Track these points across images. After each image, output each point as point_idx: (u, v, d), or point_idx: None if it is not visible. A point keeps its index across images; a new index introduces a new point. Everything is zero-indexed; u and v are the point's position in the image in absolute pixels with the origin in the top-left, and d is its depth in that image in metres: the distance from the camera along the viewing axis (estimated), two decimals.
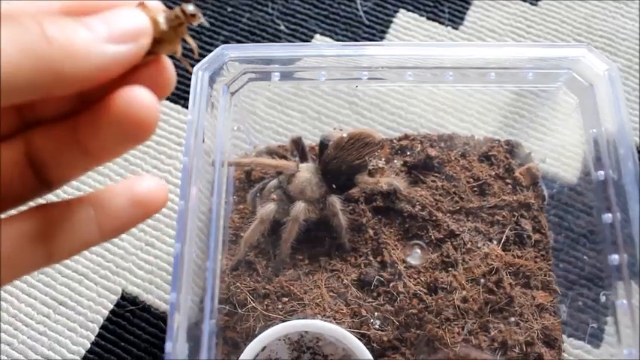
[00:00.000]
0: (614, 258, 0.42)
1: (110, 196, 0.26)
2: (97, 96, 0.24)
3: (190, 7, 0.25)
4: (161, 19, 0.25)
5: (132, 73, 0.24)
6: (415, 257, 0.50)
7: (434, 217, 0.51)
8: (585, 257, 0.52)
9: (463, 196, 0.53)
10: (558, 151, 0.58)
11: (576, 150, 0.58)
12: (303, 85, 0.52)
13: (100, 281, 0.54)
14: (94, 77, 0.22)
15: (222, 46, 0.46)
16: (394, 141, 0.56)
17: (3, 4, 0.23)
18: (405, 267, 0.49)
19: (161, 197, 0.26)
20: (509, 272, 0.49)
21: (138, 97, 0.23)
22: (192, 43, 0.27)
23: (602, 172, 0.44)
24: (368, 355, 0.44)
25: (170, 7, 0.26)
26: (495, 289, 0.47)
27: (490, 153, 0.55)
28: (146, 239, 0.55)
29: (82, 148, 0.25)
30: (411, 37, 0.65)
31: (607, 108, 0.44)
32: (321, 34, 0.64)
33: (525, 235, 0.52)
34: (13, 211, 0.26)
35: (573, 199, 0.56)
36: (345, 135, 0.50)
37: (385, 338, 0.46)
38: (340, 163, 0.50)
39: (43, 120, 0.26)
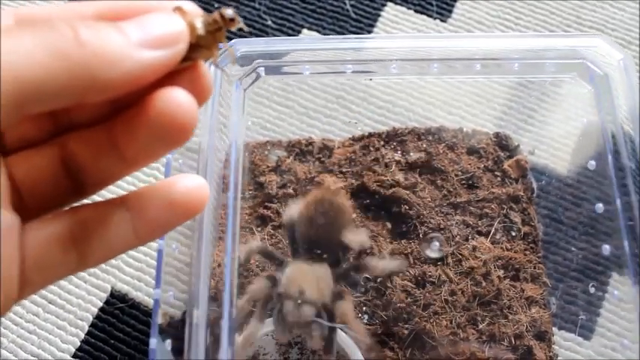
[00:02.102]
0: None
1: (147, 198, 0.25)
2: (132, 101, 0.23)
3: (230, 12, 0.24)
4: (199, 24, 0.24)
5: (168, 79, 0.23)
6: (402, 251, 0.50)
7: (422, 212, 0.51)
8: (574, 249, 0.52)
9: (451, 189, 0.52)
10: (547, 143, 0.58)
11: (566, 142, 0.58)
12: (290, 79, 0.52)
13: (89, 279, 0.54)
14: (129, 83, 0.22)
15: (234, 40, 0.45)
16: (382, 135, 0.55)
17: (36, 7, 0.23)
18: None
19: (201, 198, 0.25)
20: (498, 265, 0.49)
21: (176, 98, 0.22)
22: (230, 49, 0.26)
23: (611, 161, 0.43)
24: (356, 350, 0.44)
25: (209, 11, 0.25)
26: (484, 282, 0.47)
27: (479, 145, 0.55)
28: None
29: (119, 153, 0.24)
30: (398, 30, 0.65)
31: (622, 97, 0.43)
32: (309, 28, 0.64)
33: (514, 228, 0.51)
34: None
35: (563, 190, 0.56)
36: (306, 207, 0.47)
37: (373, 332, 0.46)
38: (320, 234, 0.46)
39: (79, 125, 0.25)
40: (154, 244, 0.54)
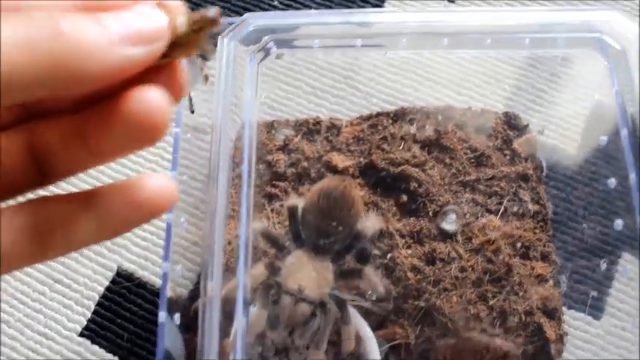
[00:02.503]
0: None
1: (112, 197, 0.25)
2: (106, 93, 0.23)
3: (213, 12, 0.24)
4: (180, 22, 0.23)
5: (144, 74, 0.23)
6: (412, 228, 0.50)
7: (431, 189, 0.50)
8: (585, 226, 0.52)
9: (460, 167, 0.52)
10: (557, 123, 0.57)
11: (575, 122, 0.58)
12: (299, 54, 0.51)
13: (95, 258, 0.53)
14: (106, 78, 0.21)
15: (248, 14, 0.45)
16: (390, 114, 0.55)
17: None
18: (402, 239, 0.48)
19: (167, 198, 0.25)
20: (507, 243, 0.48)
21: (151, 98, 0.22)
22: (208, 48, 0.25)
23: (626, 136, 0.42)
24: (365, 325, 0.44)
25: (193, 7, 0.24)
26: (494, 258, 0.47)
27: (488, 125, 0.55)
28: None
29: (88, 144, 0.24)
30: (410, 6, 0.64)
31: None
32: (316, 8, 0.64)
33: (524, 206, 0.51)
34: (11, 202, 0.24)
35: (572, 170, 0.56)
36: (314, 197, 0.46)
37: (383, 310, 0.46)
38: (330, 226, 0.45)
39: (49, 112, 0.24)
40: (161, 223, 0.54)
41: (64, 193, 0.25)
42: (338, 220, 0.44)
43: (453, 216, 0.49)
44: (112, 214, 0.24)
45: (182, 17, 0.23)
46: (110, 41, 0.21)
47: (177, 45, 0.23)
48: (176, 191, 0.25)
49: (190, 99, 0.43)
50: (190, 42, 0.23)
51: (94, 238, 0.25)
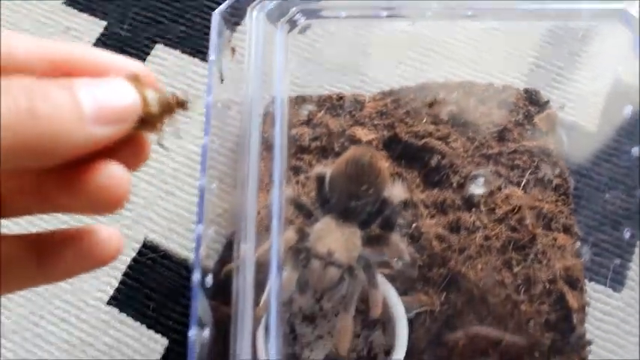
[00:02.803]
0: None
1: (58, 246, 0.25)
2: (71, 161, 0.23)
3: (183, 97, 0.24)
4: (151, 98, 0.23)
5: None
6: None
7: (454, 161, 0.51)
8: (607, 198, 0.52)
9: (483, 141, 0.53)
10: (576, 100, 0.58)
11: (595, 99, 0.58)
12: (324, 26, 0.52)
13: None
14: (73, 153, 0.22)
15: None
16: (413, 89, 0.56)
17: (20, 39, 0.23)
18: (426, 209, 0.49)
19: (113, 252, 0.25)
20: (530, 213, 0.49)
21: (113, 174, 0.23)
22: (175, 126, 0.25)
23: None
24: (393, 290, 0.45)
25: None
26: (518, 227, 0.48)
27: (509, 100, 0.55)
28: (166, 188, 0.56)
29: (47, 199, 0.24)
30: None
31: None
32: None
33: (546, 180, 0.52)
34: None
35: (593, 146, 0.56)
36: (342, 164, 0.47)
37: (408, 278, 0.47)
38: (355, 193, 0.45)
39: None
40: (185, 195, 0.55)
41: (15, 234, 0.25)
42: (366, 186, 0.44)
43: (482, 180, 0.50)
44: (56, 263, 0.25)
45: (153, 94, 0.24)
46: (82, 121, 0.22)
47: (145, 121, 0.24)
48: (121, 245, 0.26)
49: (220, 68, 0.44)
50: (157, 121, 0.24)
51: (38, 281, 0.25)
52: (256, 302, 0.40)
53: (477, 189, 0.49)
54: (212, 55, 0.44)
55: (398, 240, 0.45)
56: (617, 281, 0.52)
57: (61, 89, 0.22)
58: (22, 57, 0.23)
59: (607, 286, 0.51)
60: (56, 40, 0.24)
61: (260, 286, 0.47)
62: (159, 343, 0.51)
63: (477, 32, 0.60)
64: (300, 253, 0.43)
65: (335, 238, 0.43)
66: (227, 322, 0.40)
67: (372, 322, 0.47)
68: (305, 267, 0.43)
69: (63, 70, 0.24)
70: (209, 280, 0.40)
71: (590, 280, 0.51)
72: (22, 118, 0.20)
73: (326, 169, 0.47)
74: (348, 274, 0.43)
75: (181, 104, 0.24)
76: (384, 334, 0.47)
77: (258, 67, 0.44)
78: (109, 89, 0.23)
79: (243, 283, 0.39)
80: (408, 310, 0.46)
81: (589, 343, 0.49)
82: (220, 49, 0.44)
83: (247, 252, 0.39)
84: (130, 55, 0.61)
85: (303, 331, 0.48)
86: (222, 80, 0.45)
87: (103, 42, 0.63)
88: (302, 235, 0.44)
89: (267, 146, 0.50)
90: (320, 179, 0.46)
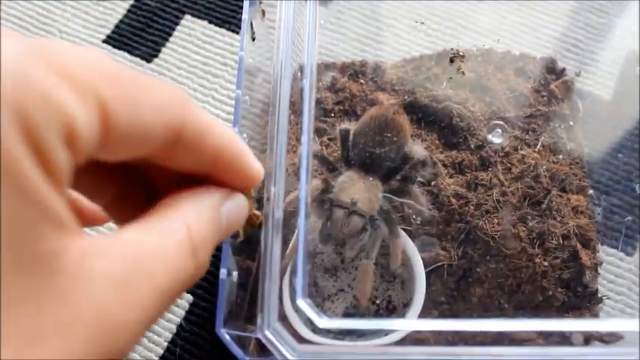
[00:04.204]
0: None
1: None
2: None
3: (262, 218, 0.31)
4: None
5: None
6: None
7: (472, 124, 0.53)
8: (620, 155, 0.53)
9: (500, 106, 0.55)
10: (592, 70, 0.60)
11: (610, 70, 0.60)
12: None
13: None
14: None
15: None
16: (433, 56, 0.58)
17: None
18: (445, 169, 0.51)
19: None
20: (545, 173, 0.51)
21: None
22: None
23: None
24: (411, 242, 0.47)
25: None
26: (533, 184, 0.49)
27: (526, 68, 0.57)
28: None
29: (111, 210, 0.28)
30: None
31: None
32: None
33: (561, 143, 0.53)
34: None
35: (606, 115, 0.58)
36: (366, 120, 0.49)
37: (427, 233, 0.49)
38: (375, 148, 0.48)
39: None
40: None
41: None
42: (389, 139, 0.47)
43: (500, 130, 0.52)
44: None
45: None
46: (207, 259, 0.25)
47: None
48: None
49: (252, 26, 0.46)
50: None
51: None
52: (283, 250, 0.42)
53: (496, 139, 0.51)
54: (245, 14, 0.46)
55: (418, 192, 0.47)
56: (629, 245, 0.53)
57: (213, 238, 0.25)
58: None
59: (619, 249, 0.53)
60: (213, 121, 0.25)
61: (285, 240, 0.49)
62: (184, 299, 0.53)
63: (495, 3, 0.62)
64: (324, 203, 0.45)
65: (358, 190, 0.45)
66: (251, 274, 0.42)
67: (392, 275, 0.49)
68: (329, 218, 0.45)
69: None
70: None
71: (602, 243, 0.53)
72: (183, 263, 0.23)
73: (350, 125, 0.49)
74: (369, 224, 0.45)
75: (259, 225, 0.31)
76: (402, 288, 0.49)
77: (289, 32, 0.46)
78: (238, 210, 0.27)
79: (272, 228, 0.41)
80: (426, 265, 0.48)
81: (601, 300, 0.50)
82: (252, 9, 0.47)
83: (277, 195, 0.41)
84: (159, 25, 0.64)
85: (324, 284, 0.50)
86: (253, 38, 0.47)
87: (132, 12, 0.65)
88: (326, 185, 0.46)
89: (293, 110, 0.53)
90: (344, 135, 0.48)
